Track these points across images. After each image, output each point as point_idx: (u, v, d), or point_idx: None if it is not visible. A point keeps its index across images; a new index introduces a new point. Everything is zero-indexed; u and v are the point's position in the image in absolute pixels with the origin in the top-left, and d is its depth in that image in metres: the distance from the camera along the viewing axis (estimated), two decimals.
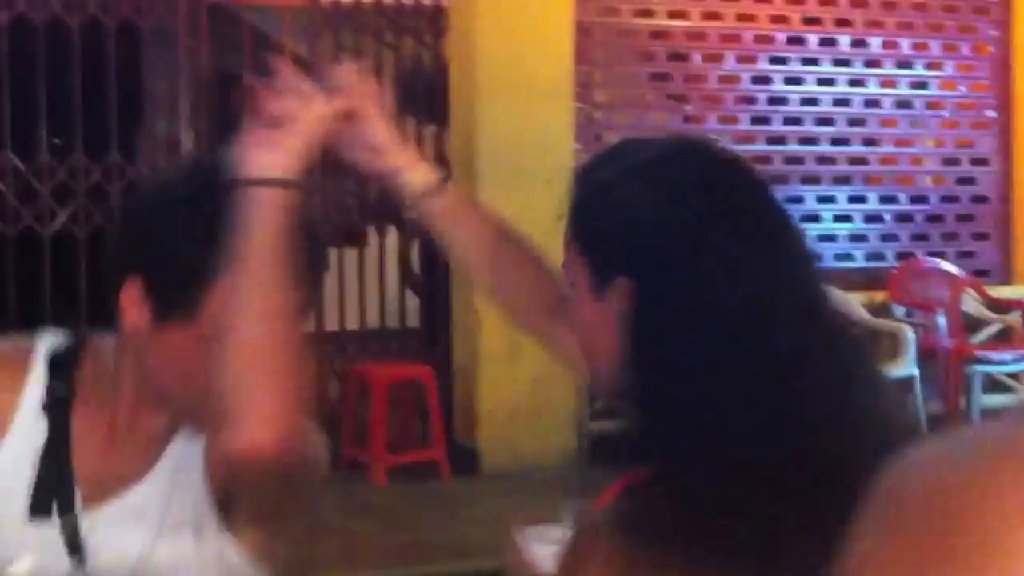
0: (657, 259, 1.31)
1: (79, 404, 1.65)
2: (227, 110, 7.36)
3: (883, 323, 7.27)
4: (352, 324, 7.25)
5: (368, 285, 7.24)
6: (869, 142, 8.02)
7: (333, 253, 7.23)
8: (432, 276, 7.19)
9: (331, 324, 7.14)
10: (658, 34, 7.53)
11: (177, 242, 1.53)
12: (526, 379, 6.44)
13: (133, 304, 1.56)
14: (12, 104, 6.65)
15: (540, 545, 1.50)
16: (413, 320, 7.25)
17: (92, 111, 6.67)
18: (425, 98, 7.27)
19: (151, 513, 1.65)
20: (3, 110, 6.63)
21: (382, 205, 7.03)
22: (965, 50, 8.25)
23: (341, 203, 7.26)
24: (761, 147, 7.61)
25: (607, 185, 1.36)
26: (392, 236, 7.31)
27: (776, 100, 7.78)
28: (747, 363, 1.26)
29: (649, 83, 7.58)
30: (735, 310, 1.27)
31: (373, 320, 7.32)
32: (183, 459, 1.67)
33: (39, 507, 1.62)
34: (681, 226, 1.31)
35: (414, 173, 1.69)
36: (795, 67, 7.80)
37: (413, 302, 7.38)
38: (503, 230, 1.73)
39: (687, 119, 7.59)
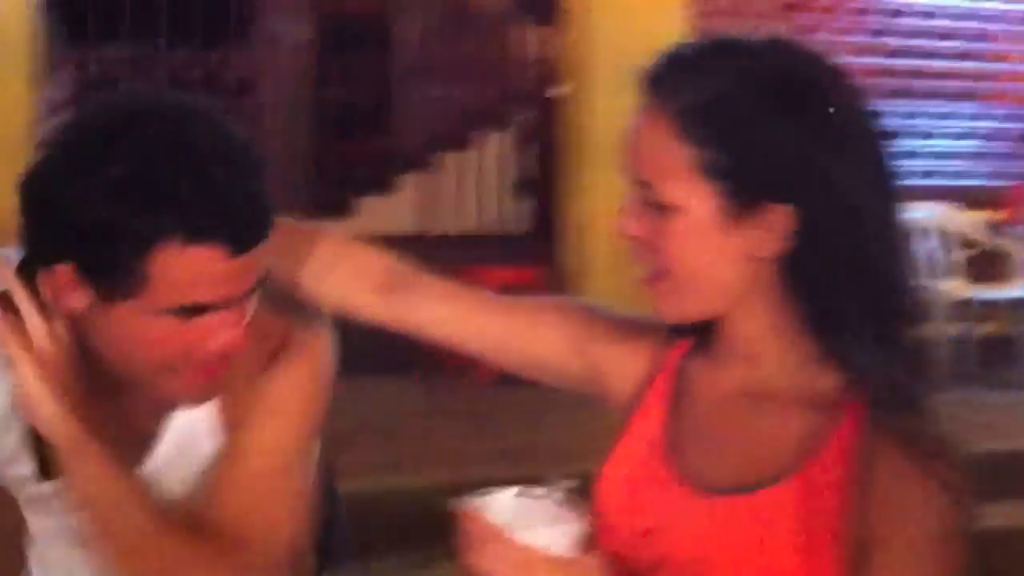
0: (827, 182, 1.27)
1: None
2: (341, 9, 7.32)
3: (999, 243, 7.07)
4: (463, 227, 7.21)
5: (481, 188, 7.20)
6: (993, 58, 7.77)
7: (444, 156, 7.28)
8: (545, 180, 7.10)
9: (442, 227, 7.12)
10: None
11: (97, 214, 1.34)
12: (635, 286, 6.32)
13: (68, 291, 1.38)
14: None
15: (532, 526, 1.22)
16: (525, 224, 7.18)
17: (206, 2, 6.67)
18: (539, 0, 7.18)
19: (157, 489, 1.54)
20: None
21: (496, 108, 7.00)
22: None
23: (451, 106, 7.21)
24: (879, 60, 7.40)
25: (756, 110, 1.28)
26: (507, 139, 7.25)
27: (896, 12, 7.55)
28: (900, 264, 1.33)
29: None
30: (887, 225, 1.31)
31: (484, 223, 7.27)
32: (187, 429, 1.56)
33: (45, 471, 1.49)
34: (844, 147, 1.28)
35: None
36: None
37: (525, 205, 7.30)
38: (295, 230, 1.62)
39: (803, 29, 7.39)
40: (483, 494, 1.25)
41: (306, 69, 7.15)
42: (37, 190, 1.39)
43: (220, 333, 1.41)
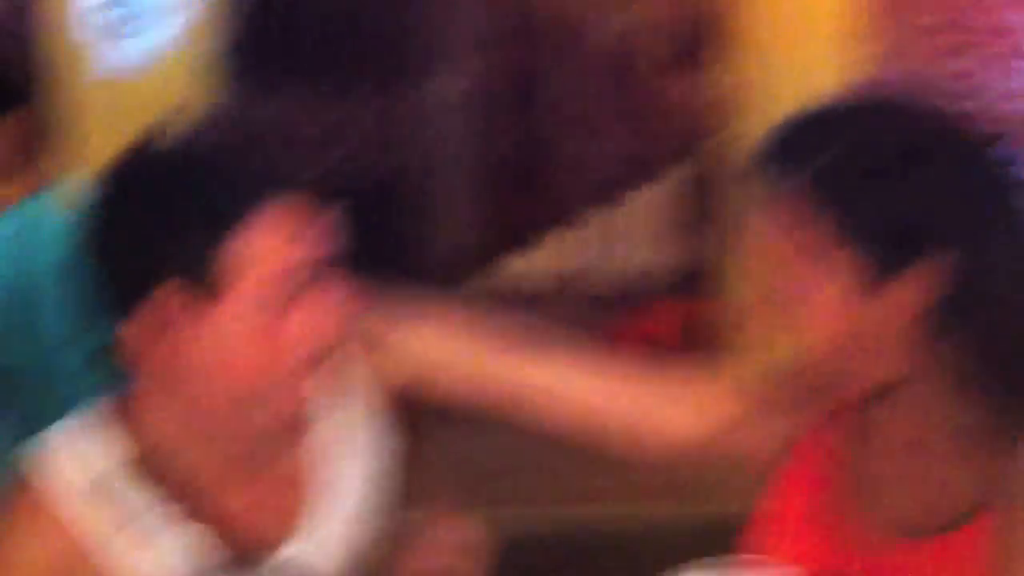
0: (974, 227, 1.27)
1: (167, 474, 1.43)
2: (500, 64, 7.44)
3: None
4: (612, 280, 7.25)
5: (632, 240, 7.26)
6: None
7: (597, 209, 7.34)
8: (700, 225, 7.10)
9: (591, 280, 7.26)
10: None
11: (183, 218, 1.35)
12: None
13: (172, 308, 1.36)
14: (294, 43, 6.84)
15: None
16: (676, 276, 7.20)
17: (371, 54, 6.85)
18: (688, 55, 7.20)
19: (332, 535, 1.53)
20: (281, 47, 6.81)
21: (637, 163, 7.07)
22: None
23: (596, 160, 7.28)
24: None
25: (875, 172, 1.27)
26: (661, 190, 7.30)
27: None
28: None
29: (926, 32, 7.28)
30: None
31: (634, 275, 7.31)
32: (332, 450, 1.53)
33: None
34: (974, 191, 1.29)
35: None
36: None
37: (676, 257, 7.33)
38: (393, 299, 1.61)
39: (966, 74, 7.25)
40: None
41: (460, 127, 7.30)
42: (114, 231, 1.39)
43: (320, 315, 1.37)
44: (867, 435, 1.41)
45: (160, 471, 1.41)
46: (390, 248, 7.05)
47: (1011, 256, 1.28)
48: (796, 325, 1.34)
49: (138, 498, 1.39)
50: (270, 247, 1.35)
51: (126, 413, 1.43)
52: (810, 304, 1.32)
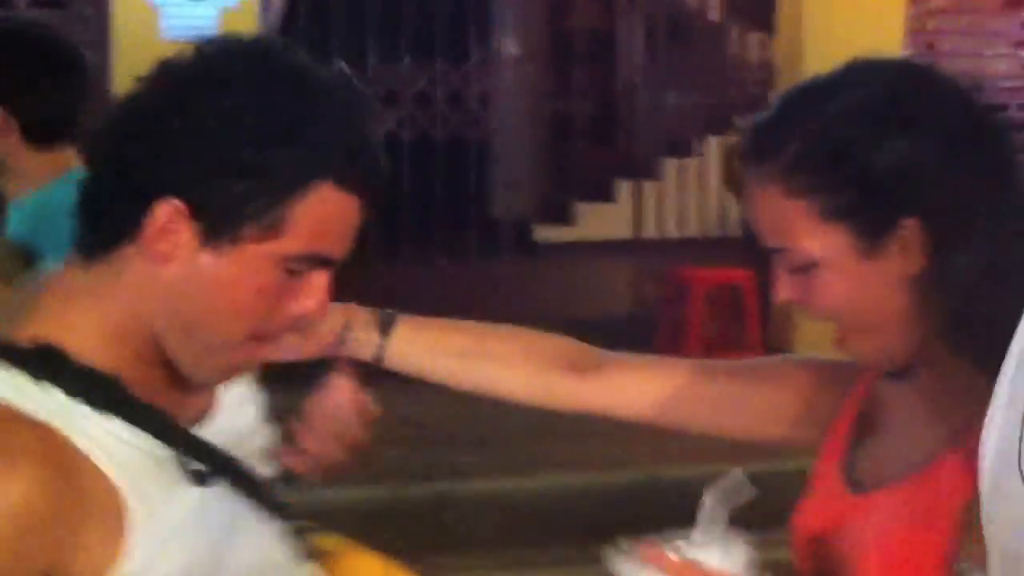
0: (955, 187, 1.27)
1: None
2: (567, 24, 7.53)
3: None
4: (673, 231, 7.41)
5: (700, 192, 7.38)
6: None
7: (666, 162, 7.42)
8: None
9: (652, 231, 7.35)
10: None
11: (240, 143, 1.20)
12: None
13: (168, 230, 1.21)
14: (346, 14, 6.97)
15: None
16: (735, 227, 7.25)
17: (420, 21, 6.96)
18: (752, 5, 7.23)
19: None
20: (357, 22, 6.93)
21: (707, 114, 7.08)
22: None
23: (667, 112, 7.33)
24: None
25: (850, 141, 1.28)
26: (715, 144, 7.36)
27: None
28: None
29: None
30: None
31: (695, 227, 7.44)
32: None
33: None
34: (954, 147, 1.28)
35: (356, 330, 1.52)
36: None
37: (735, 209, 7.38)
38: (467, 328, 1.59)
39: None
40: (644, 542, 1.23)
41: (534, 83, 7.38)
42: (162, 122, 1.22)
43: (312, 297, 1.28)
44: (884, 397, 1.42)
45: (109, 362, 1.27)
46: (465, 201, 7.16)
47: (990, 222, 1.26)
48: (809, 306, 1.34)
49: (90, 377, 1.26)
50: (328, 227, 1.26)
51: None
52: (816, 282, 1.32)
